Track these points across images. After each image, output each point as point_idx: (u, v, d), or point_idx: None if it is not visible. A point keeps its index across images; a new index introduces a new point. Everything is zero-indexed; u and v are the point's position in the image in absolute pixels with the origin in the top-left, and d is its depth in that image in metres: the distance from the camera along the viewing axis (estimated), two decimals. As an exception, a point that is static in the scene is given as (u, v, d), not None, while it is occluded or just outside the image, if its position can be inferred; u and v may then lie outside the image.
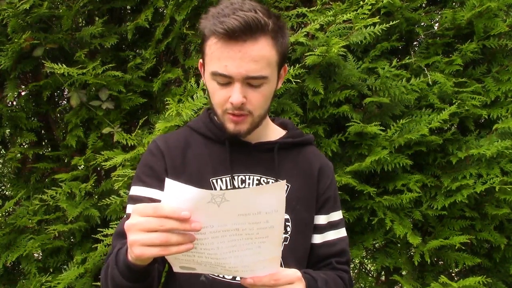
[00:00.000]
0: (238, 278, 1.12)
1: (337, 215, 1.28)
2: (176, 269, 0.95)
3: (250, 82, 1.05)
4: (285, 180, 0.83)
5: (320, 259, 1.23)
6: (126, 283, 0.95)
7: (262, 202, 0.82)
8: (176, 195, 0.82)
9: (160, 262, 1.11)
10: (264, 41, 1.03)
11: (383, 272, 2.61)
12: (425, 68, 2.19)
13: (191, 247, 0.85)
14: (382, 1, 2.04)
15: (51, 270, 2.36)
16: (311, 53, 2.00)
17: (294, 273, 0.98)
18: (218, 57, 1.03)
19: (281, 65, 1.12)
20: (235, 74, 1.03)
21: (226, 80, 1.05)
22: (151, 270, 0.97)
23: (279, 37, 1.07)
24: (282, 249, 0.92)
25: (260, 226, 0.85)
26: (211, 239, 0.86)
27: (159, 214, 0.82)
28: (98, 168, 2.36)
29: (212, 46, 1.04)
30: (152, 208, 0.83)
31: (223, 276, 1.13)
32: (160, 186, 0.84)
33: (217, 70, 1.04)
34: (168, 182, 0.82)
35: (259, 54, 1.03)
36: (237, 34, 1.00)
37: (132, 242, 0.84)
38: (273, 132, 1.26)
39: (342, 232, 1.28)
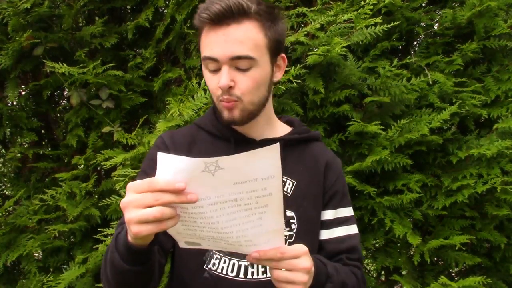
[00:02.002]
0: (241, 275, 1.13)
1: (345, 211, 1.26)
2: (181, 244, 0.94)
3: (237, 64, 1.06)
4: (278, 143, 0.82)
5: (329, 256, 1.20)
6: (125, 266, 0.93)
7: (258, 167, 0.81)
8: (170, 167, 0.81)
9: (162, 254, 1.11)
10: (249, 24, 1.05)
11: (383, 272, 2.61)
12: (425, 68, 2.20)
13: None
14: (384, 1, 2.04)
15: (51, 270, 2.36)
16: (312, 52, 2.00)
17: (301, 247, 0.95)
18: (206, 43, 1.07)
19: (274, 51, 1.12)
20: (220, 56, 1.05)
21: (215, 65, 1.07)
22: (151, 252, 0.95)
23: (267, 21, 1.08)
24: (283, 222, 0.89)
25: (258, 194, 0.83)
26: (210, 213, 0.85)
27: (153, 188, 0.81)
28: (98, 168, 2.36)
29: (202, 35, 1.08)
30: (146, 183, 0.81)
31: (227, 273, 1.13)
32: None
33: (205, 55, 1.07)
34: (160, 155, 0.81)
35: (243, 35, 1.04)
36: (220, 18, 1.03)
37: (128, 220, 0.83)
38: (279, 129, 1.26)
39: (352, 229, 1.26)
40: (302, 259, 0.94)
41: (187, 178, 0.80)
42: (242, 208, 0.84)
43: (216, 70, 1.08)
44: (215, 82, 1.09)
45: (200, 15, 1.05)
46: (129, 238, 0.90)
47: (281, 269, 0.93)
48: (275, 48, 1.12)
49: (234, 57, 1.04)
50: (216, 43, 1.05)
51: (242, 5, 1.04)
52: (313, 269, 0.97)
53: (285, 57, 1.19)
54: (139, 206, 0.81)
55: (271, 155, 0.81)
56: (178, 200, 0.81)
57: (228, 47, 1.04)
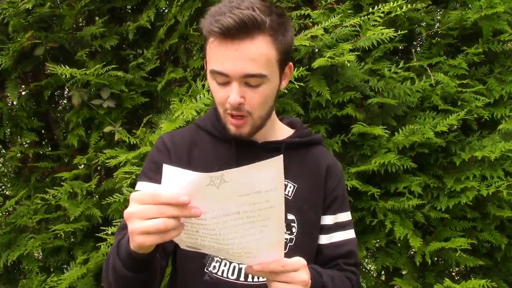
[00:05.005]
0: (242, 278, 1.13)
1: (344, 216, 1.26)
2: (182, 247, 0.95)
3: (248, 81, 1.04)
4: (281, 155, 0.81)
5: (327, 260, 1.22)
6: (127, 273, 0.94)
7: (261, 179, 0.81)
8: (175, 180, 0.81)
9: (163, 257, 1.11)
10: (262, 40, 1.01)
11: (383, 272, 2.61)
12: (428, 69, 2.19)
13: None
14: (396, 11, 1.99)
15: (51, 269, 2.36)
16: (320, 59, 1.97)
17: (299, 260, 0.98)
18: (215, 55, 1.03)
19: (283, 63, 1.10)
20: (232, 72, 1.02)
21: (224, 79, 1.04)
22: (153, 259, 0.96)
23: (279, 34, 1.05)
24: (284, 234, 0.91)
25: (261, 207, 0.84)
26: (212, 225, 0.86)
27: (157, 201, 0.81)
28: (99, 168, 2.36)
29: (211, 45, 1.04)
30: (150, 195, 0.82)
31: (227, 276, 1.13)
32: None
33: (214, 68, 1.03)
34: (166, 167, 0.82)
35: (256, 52, 1.01)
36: (232, 33, 0.98)
37: (132, 231, 0.84)
38: (281, 132, 1.25)
39: (350, 234, 1.26)
40: (301, 272, 0.96)
41: (191, 191, 0.81)
42: (245, 221, 0.86)
43: (225, 83, 1.05)
44: (223, 94, 1.06)
45: (210, 28, 1.00)
46: (131, 246, 0.90)
47: (280, 282, 0.95)
48: (285, 60, 1.10)
49: (246, 75, 1.02)
50: (227, 58, 1.01)
51: (256, 19, 0.99)
52: (310, 281, 0.99)
53: (292, 65, 1.17)
54: (142, 218, 0.82)
55: (275, 167, 0.81)
56: (181, 214, 0.82)
57: (240, 64, 1.00)
